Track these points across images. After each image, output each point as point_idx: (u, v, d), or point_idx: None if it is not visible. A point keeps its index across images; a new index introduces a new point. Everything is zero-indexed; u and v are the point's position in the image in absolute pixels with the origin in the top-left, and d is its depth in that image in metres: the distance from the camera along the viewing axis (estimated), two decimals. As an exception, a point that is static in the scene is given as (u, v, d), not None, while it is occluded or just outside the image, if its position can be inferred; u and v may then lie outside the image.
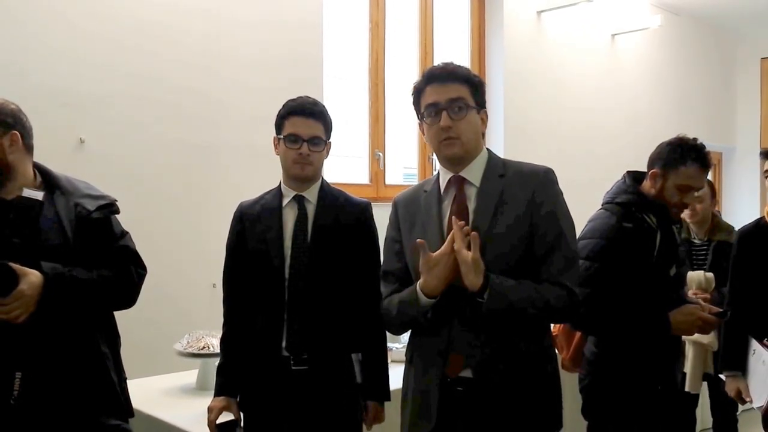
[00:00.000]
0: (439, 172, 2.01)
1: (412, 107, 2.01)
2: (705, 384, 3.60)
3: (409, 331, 2.06)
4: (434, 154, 2.01)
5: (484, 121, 1.95)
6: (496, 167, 1.95)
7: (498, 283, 1.77)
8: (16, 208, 1.91)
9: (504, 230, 1.85)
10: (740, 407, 3.85)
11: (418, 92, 1.96)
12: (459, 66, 1.94)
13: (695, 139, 2.47)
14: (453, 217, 1.83)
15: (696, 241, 3.62)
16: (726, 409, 3.79)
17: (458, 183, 1.94)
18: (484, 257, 1.79)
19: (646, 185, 2.49)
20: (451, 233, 1.81)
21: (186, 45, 3.54)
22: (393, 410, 2.23)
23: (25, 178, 1.97)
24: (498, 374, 1.84)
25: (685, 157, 2.41)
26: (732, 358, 2.75)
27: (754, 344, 2.67)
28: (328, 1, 4.16)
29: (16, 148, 1.95)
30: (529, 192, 1.88)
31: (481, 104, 1.94)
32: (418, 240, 1.84)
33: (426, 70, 1.97)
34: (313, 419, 2.18)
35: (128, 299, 2.07)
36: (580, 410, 2.54)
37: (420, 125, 1.99)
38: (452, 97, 1.88)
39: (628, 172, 2.57)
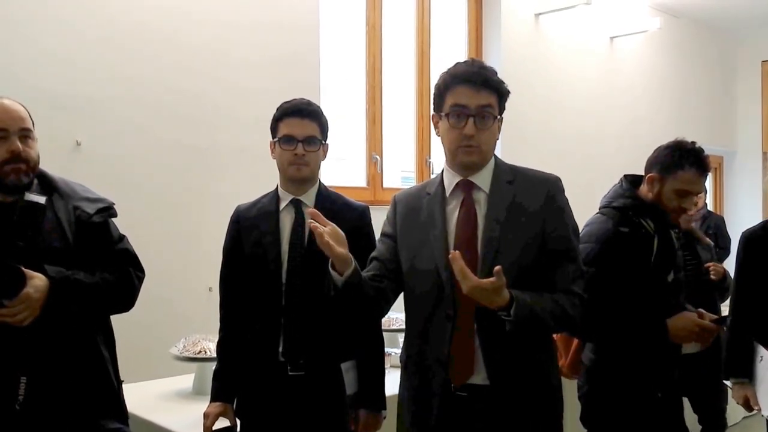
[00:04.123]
0: (442, 175, 1.99)
1: (433, 97, 1.95)
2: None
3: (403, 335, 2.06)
4: (445, 156, 1.97)
5: (499, 128, 1.92)
6: (504, 173, 1.93)
7: (522, 299, 1.75)
8: (21, 212, 1.90)
9: (515, 236, 1.84)
10: (742, 414, 3.83)
11: (445, 87, 1.89)
12: (493, 72, 1.89)
13: (693, 143, 2.45)
14: (451, 254, 1.74)
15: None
16: (716, 421, 3.76)
17: (467, 187, 1.92)
18: (498, 261, 1.77)
19: (644, 189, 2.47)
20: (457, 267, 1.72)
21: (183, 48, 3.53)
22: (392, 416, 2.21)
23: None
24: (515, 383, 1.84)
25: (682, 161, 2.39)
26: (738, 365, 2.71)
27: (762, 351, 2.64)
28: (324, 4, 4.16)
29: None
30: (540, 200, 1.88)
31: (501, 112, 1.91)
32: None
33: (460, 66, 1.90)
34: (310, 425, 2.17)
35: (128, 303, 2.07)
36: (579, 418, 2.52)
37: (434, 117, 1.96)
38: (482, 104, 1.85)
39: (625, 175, 2.55)
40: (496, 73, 1.90)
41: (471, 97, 1.85)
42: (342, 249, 1.79)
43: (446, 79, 1.90)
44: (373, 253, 2.06)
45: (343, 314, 2.07)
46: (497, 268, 1.68)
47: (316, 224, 1.79)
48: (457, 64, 1.92)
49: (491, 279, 1.68)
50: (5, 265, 1.76)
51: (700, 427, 3.83)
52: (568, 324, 1.89)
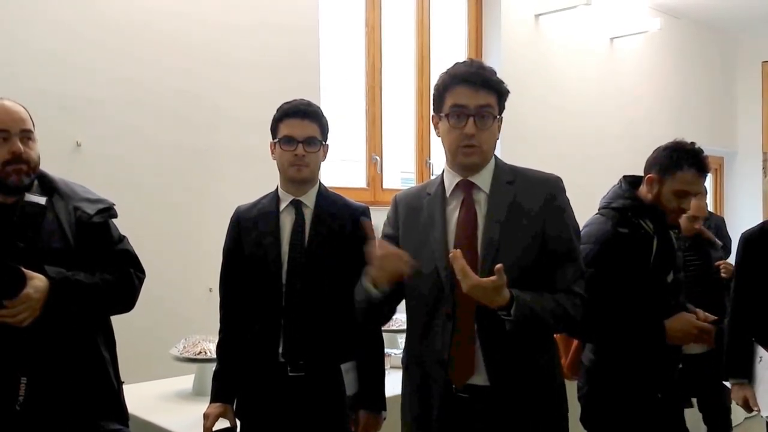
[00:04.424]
0: (443, 175, 1.99)
1: (433, 98, 1.95)
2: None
3: (404, 336, 2.06)
4: (446, 157, 1.97)
5: (499, 128, 1.92)
6: (505, 173, 1.94)
7: (522, 299, 1.76)
8: (21, 212, 1.90)
9: (515, 237, 1.84)
10: (744, 415, 3.82)
11: (444, 88, 1.90)
12: (492, 72, 1.90)
13: (692, 144, 2.45)
14: (452, 253, 1.75)
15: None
16: (719, 420, 3.76)
17: (467, 188, 1.92)
18: (498, 262, 1.76)
19: (643, 190, 2.46)
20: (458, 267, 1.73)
21: (183, 49, 3.53)
22: (394, 416, 2.21)
23: None
24: (515, 383, 1.84)
25: (681, 162, 2.39)
26: (738, 365, 2.72)
27: (761, 351, 2.64)
28: (324, 5, 4.16)
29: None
30: (540, 200, 1.88)
31: (500, 112, 1.92)
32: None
33: (459, 67, 1.90)
34: (310, 426, 2.17)
35: (128, 303, 2.08)
36: (579, 419, 2.52)
37: (433, 117, 1.96)
38: (481, 104, 1.85)
39: (624, 176, 2.55)
40: (495, 72, 1.90)
41: (470, 97, 1.85)
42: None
43: (445, 80, 1.90)
44: None
45: (363, 321, 2.08)
46: (498, 266, 1.69)
47: (394, 249, 1.83)
48: (456, 64, 1.92)
49: (492, 278, 1.69)
50: (5, 265, 1.77)
51: (705, 427, 3.84)
52: (569, 324, 1.89)
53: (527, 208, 1.87)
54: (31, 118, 1.97)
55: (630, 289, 2.32)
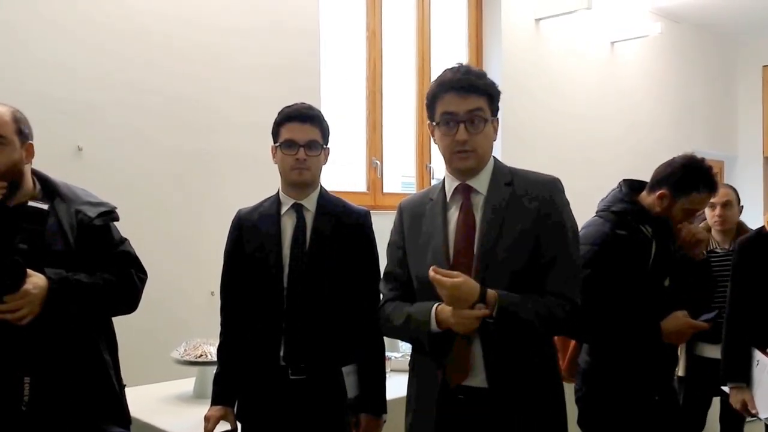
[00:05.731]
0: (444, 180, 2.00)
1: (426, 107, 1.97)
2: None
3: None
4: (444, 163, 1.98)
5: (495, 129, 1.93)
6: (503, 175, 1.94)
7: (506, 301, 1.76)
8: (24, 216, 1.91)
9: (512, 238, 1.85)
10: (746, 419, 3.79)
11: (434, 96, 1.91)
12: (479, 76, 1.89)
13: (703, 159, 2.46)
14: (431, 269, 1.77)
15: (719, 250, 3.52)
16: (734, 421, 3.75)
17: (465, 192, 1.93)
18: (493, 265, 1.80)
19: (648, 199, 2.45)
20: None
21: (184, 53, 3.54)
22: (395, 418, 2.22)
23: (26, 186, 1.99)
24: (512, 386, 1.84)
25: (698, 183, 2.40)
26: (735, 370, 2.73)
27: (758, 355, 2.66)
28: (325, 10, 4.17)
29: (30, 159, 1.98)
30: (537, 201, 1.88)
31: (495, 113, 1.92)
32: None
33: (447, 74, 1.90)
34: (311, 429, 2.17)
35: (131, 304, 2.08)
36: (576, 422, 2.52)
37: (429, 126, 1.97)
38: (470, 109, 1.85)
39: (624, 180, 2.55)
40: (484, 75, 1.90)
41: (458, 103, 1.85)
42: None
43: (434, 89, 1.91)
44: (388, 268, 2.08)
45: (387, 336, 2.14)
46: (456, 274, 1.74)
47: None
48: (445, 71, 1.93)
49: (455, 280, 1.72)
50: (5, 258, 1.77)
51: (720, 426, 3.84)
52: (556, 326, 1.90)
53: (524, 209, 1.87)
54: (18, 122, 1.94)
55: (627, 291, 2.33)
